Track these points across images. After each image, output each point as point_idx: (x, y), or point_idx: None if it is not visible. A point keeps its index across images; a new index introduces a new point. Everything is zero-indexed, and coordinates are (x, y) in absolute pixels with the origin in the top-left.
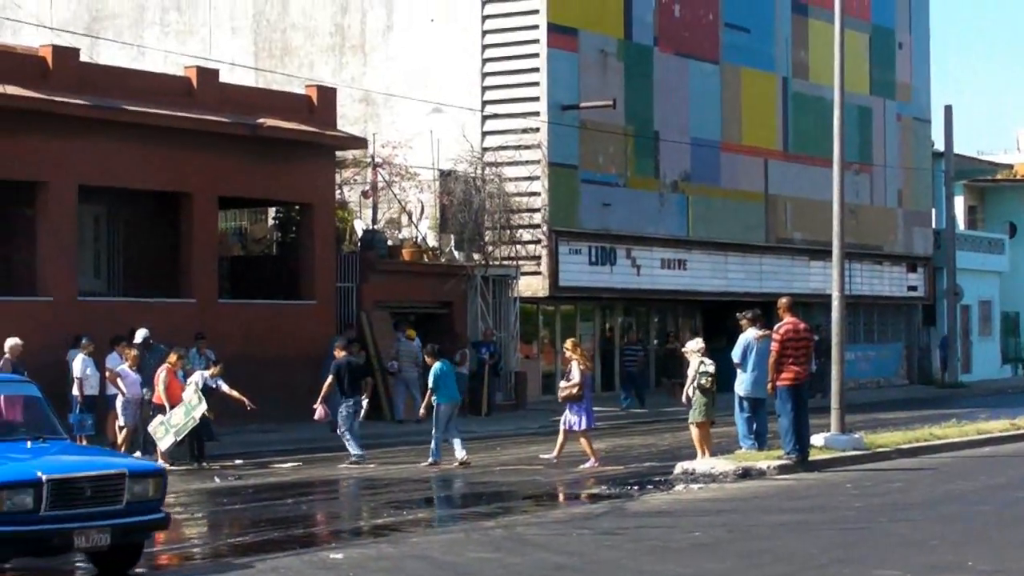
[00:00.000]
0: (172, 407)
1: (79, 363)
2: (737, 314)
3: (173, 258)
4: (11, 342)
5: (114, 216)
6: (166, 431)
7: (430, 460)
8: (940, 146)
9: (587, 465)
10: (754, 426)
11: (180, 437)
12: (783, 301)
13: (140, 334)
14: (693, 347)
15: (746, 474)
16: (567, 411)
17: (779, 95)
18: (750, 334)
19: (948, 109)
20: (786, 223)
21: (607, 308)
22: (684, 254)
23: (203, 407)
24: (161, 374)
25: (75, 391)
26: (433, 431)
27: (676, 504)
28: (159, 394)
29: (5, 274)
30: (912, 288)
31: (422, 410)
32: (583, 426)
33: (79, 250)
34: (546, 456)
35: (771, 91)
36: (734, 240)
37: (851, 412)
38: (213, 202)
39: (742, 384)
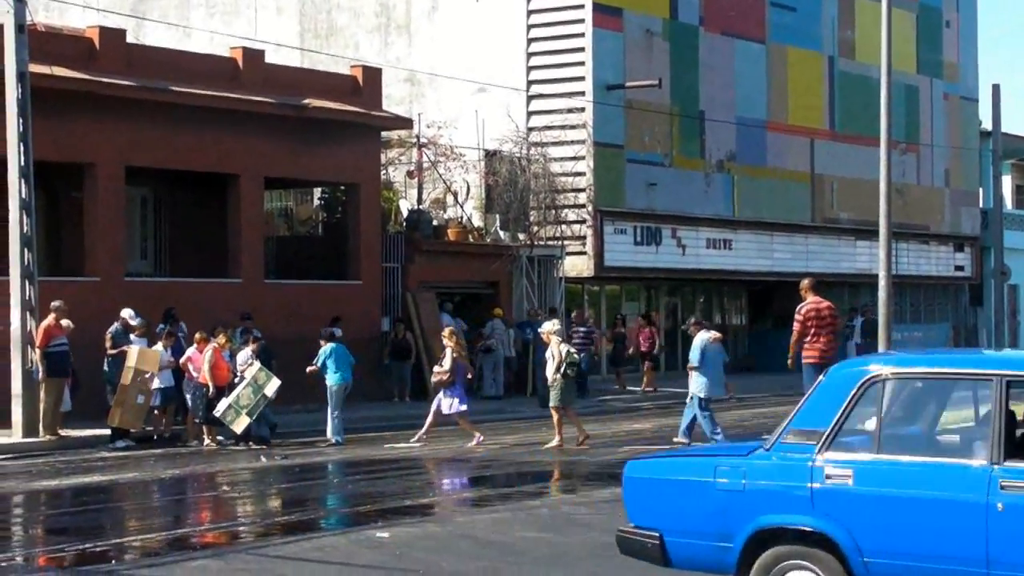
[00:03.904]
0: (217, 388)
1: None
2: (687, 322)
3: (219, 239)
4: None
5: (160, 197)
6: (237, 413)
7: (332, 441)
8: (988, 125)
9: (474, 443)
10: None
11: (254, 417)
12: (805, 283)
13: None
14: (550, 328)
15: None
16: (440, 395)
17: (825, 74)
18: (703, 337)
19: (996, 88)
20: (832, 203)
21: (652, 288)
22: (730, 234)
23: (276, 383)
24: (208, 353)
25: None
26: (330, 411)
27: None
28: (204, 374)
29: (54, 255)
30: (959, 268)
31: (308, 368)
32: (456, 409)
33: (126, 231)
34: (414, 442)
35: (817, 70)
36: (780, 220)
37: None
38: (259, 183)
39: (702, 386)
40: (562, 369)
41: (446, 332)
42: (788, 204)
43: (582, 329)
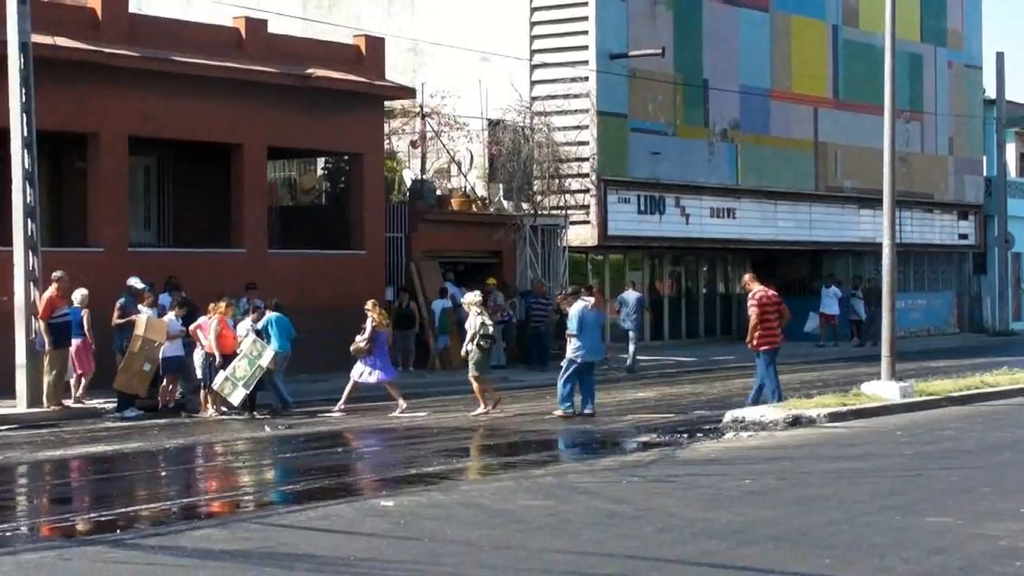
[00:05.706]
0: (223, 356)
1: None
2: (558, 296)
3: (223, 209)
4: (79, 294)
5: (164, 167)
6: (233, 385)
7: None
8: (992, 93)
9: (398, 412)
10: (571, 389)
11: (250, 388)
12: (747, 276)
13: None
14: (470, 300)
15: (796, 422)
16: (358, 363)
17: (829, 43)
18: (579, 306)
19: (1000, 56)
20: (836, 171)
21: (656, 257)
22: (733, 203)
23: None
24: (213, 323)
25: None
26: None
27: (726, 452)
28: (210, 343)
29: (57, 225)
30: (963, 236)
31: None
32: (378, 379)
33: (130, 201)
34: (337, 410)
35: (821, 39)
36: (784, 189)
37: (901, 360)
38: (262, 153)
39: (579, 351)
40: (476, 340)
41: (369, 304)
42: (792, 173)
43: (543, 300)
